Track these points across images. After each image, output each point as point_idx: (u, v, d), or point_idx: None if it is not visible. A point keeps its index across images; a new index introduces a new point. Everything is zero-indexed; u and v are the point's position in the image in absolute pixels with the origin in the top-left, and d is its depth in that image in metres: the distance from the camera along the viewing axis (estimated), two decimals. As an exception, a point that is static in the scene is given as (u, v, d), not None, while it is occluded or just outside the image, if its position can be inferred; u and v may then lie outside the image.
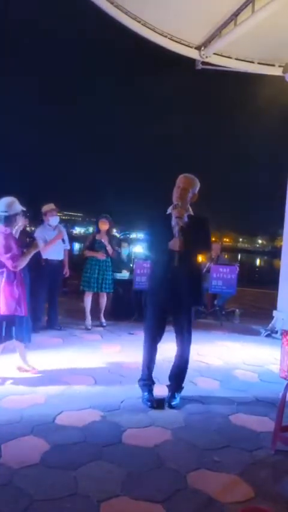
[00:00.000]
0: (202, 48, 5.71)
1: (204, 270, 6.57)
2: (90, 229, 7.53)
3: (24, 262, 3.59)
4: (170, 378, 3.45)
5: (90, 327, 5.74)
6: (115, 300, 6.74)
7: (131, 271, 6.77)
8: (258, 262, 55.00)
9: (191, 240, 3.18)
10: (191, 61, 5.93)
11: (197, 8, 4.95)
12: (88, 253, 5.85)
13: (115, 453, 2.56)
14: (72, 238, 9.46)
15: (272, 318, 6.16)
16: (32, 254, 3.65)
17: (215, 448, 2.69)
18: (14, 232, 3.65)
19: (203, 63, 5.91)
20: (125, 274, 6.86)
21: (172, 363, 3.46)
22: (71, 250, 6.51)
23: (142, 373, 3.45)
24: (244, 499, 2.20)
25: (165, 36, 5.49)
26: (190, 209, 3.34)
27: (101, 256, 5.78)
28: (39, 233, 5.51)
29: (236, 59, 6.00)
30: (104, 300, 5.99)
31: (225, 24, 5.20)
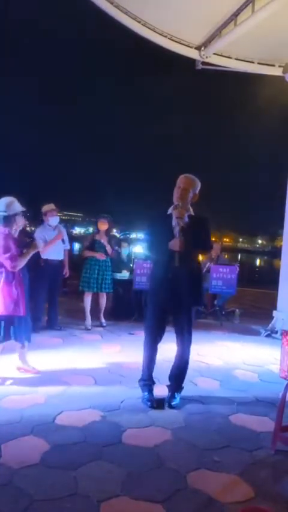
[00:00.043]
0: (202, 48, 5.71)
1: (204, 270, 6.57)
2: (90, 229, 7.54)
3: (23, 263, 3.58)
4: (170, 378, 3.45)
5: (90, 327, 5.74)
6: (115, 300, 6.74)
7: (131, 271, 6.77)
8: (258, 262, 55.00)
9: (192, 240, 3.19)
10: (191, 61, 5.93)
11: (197, 8, 4.95)
12: (87, 254, 5.85)
13: (115, 453, 2.56)
14: (72, 239, 9.45)
15: (272, 318, 6.16)
16: (31, 254, 3.65)
17: (215, 448, 2.69)
18: (13, 232, 3.64)
19: (203, 63, 5.91)
20: (125, 274, 6.86)
21: (172, 363, 3.47)
22: (71, 251, 6.51)
23: (142, 373, 3.45)
24: (244, 499, 2.20)
25: (165, 36, 5.49)
26: (191, 209, 3.34)
27: (100, 256, 5.78)
28: (39, 233, 5.51)
29: (236, 59, 5.99)
30: (103, 300, 5.99)
31: (225, 24, 5.20)
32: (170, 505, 2.11)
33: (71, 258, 6.34)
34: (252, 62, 6.05)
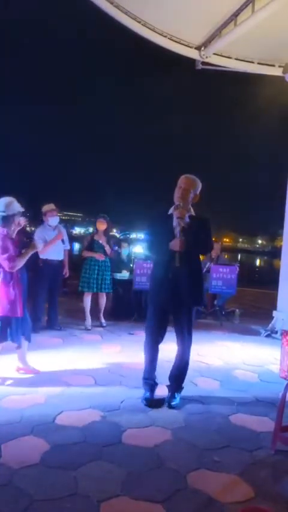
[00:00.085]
0: (202, 48, 5.71)
1: (204, 270, 6.57)
2: (90, 229, 7.55)
3: (21, 263, 3.57)
4: (170, 378, 3.45)
5: (90, 327, 5.74)
6: (115, 300, 6.74)
7: (131, 271, 6.77)
8: (258, 262, 55.01)
9: (192, 240, 3.19)
10: (191, 61, 5.93)
11: (197, 8, 4.95)
12: (86, 254, 5.85)
13: (115, 453, 2.56)
14: (72, 239, 9.45)
15: (272, 318, 6.16)
16: (29, 255, 3.63)
17: (215, 448, 2.69)
18: (11, 232, 3.62)
19: (203, 63, 5.91)
20: (125, 275, 6.86)
21: (172, 363, 3.46)
22: (70, 251, 6.51)
23: (144, 372, 3.46)
24: (244, 499, 2.20)
25: (165, 36, 5.48)
26: (191, 209, 3.34)
27: (99, 256, 5.77)
28: (39, 233, 5.51)
29: (236, 59, 5.99)
30: (103, 300, 5.99)
31: (225, 24, 5.20)
32: (170, 505, 2.11)
33: (71, 258, 6.34)
34: (252, 62, 6.04)
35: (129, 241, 9.11)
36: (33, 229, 7.93)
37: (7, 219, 3.57)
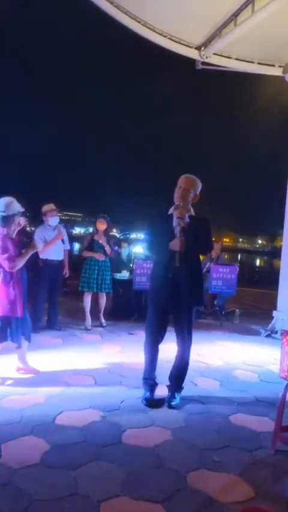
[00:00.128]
0: (202, 48, 5.71)
1: (204, 270, 6.57)
2: (90, 229, 7.54)
3: (21, 263, 3.56)
4: (170, 378, 3.45)
5: (90, 327, 5.74)
6: (115, 300, 6.74)
7: (131, 271, 6.77)
8: (258, 262, 55.01)
9: (192, 240, 3.19)
10: (191, 61, 5.92)
11: (197, 8, 4.95)
12: (86, 254, 5.84)
13: (115, 453, 2.56)
14: (72, 239, 9.45)
15: (272, 318, 6.16)
16: (29, 255, 3.63)
17: (215, 448, 2.69)
18: (11, 232, 3.62)
19: (203, 63, 5.91)
20: (125, 275, 6.87)
21: (172, 363, 3.46)
22: (71, 251, 6.51)
23: (144, 372, 3.46)
24: (244, 499, 2.20)
25: (165, 36, 5.48)
26: (191, 209, 3.34)
27: (99, 256, 5.77)
28: (39, 233, 5.51)
29: (236, 59, 5.99)
30: (103, 300, 5.99)
31: (225, 24, 5.19)
32: (170, 505, 2.11)
33: (71, 258, 6.34)
34: (252, 62, 6.04)
35: (129, 241, 9.12)
36: (33, 229, 7.92)
37: (7, 219, 3.56)
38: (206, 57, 5.76)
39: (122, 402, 3.30)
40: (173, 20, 5.25)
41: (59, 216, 5.86)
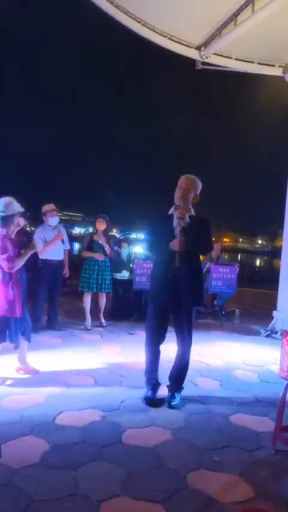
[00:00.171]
0: (202, 48, 5.71)
1: (204, 270, 6.57)
2: (90, 229, 7.53)
3: (20, 264, 3.55)
4: (170, 378, 3.45)
5: (90, 327, 5.74)
6: (115, 300, 6.74)
7: (131, 271, 6.77)
8: (258, 262, 55.01)
9: (192, 240, 3.19)
10: (191, 61, 5.92)
11: (197, 8, 4.94)
12: (86, 254, 5.84)
13: (115, 453, 2.56)
14: (72, 239, 9.45)
15: (272, 318, 6.16)
16: (28, 255, 3.61)
17: (215, 448, 2.69)
18: (10, 233, 3.60)
19: (203, 63, 5.90)
20: (125, 275, 6.87)
21: (172, 363, 3.46)
22: (70, 251, 6.51)
23: (145, 372, 3.47)
24: (244, 499, 2.20)
25: (165, 36, 5.48)
26: (192, 210, 3.34)
27: (99, 256, 5.77)
28: (39, 233, 5.51)
29: (236, 59, 5.99)
30: (103, 300, 5.99)
31: (225, 24, 5.19)
32: (170, 505, 2.11)
33: (71, 258, 6.34)
34: (252, 62, 6.04)
35: (129, 241, 9.12)
36: (33, 229, 7.93)
37: (6, 220, 3.55)
38: (206, 57, 5.76)
39: (122, 402, 3.30)
40: (173, 20, 5.25)
41: (59, 216, 5.86)
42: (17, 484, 2.18)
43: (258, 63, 6.05)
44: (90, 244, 5.83)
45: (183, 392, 3.45)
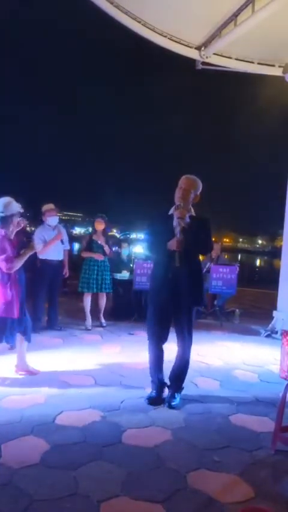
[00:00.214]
0: (202, 48, 5.71)
1: (204, 270, 6.57)
2: (90, 229, 7.53)
3: (19, 264, 3.54)
4: (170, 378, 3.45)
5: (90, 327, 5.74)
6: (115, 300, 6.75)
7: (131, 271, 6.77)
8: (258, 262, 55.00)
9: (192, 240, 3.19)
10: (191, 61, 5.93)
11: (197, 8, 4.94)
12: (85, 254, 5.84)
13: (115, 453, 2.56)
14: (72, 239, 9.46)
15: (272, 318, 6.16)
16: (27, 255, 3.61)
17: (215, 448, 2.69)
18: (9, 233, 3.59)
19: (203, 63, 5.91)
20: (125, 275, 6.87)
21: (173, 363, 3.46)
22: (70, 251, 6.51)
23: (149, 372, 3.47)
24: (244, 499, 2.20)
25: (165, 36, 5.48)
26: (192, 210, 3.34)
27: (98, 257, 5.77)
28: (38, 233, 5.50)
29: (236, 59, 5.99)
30: (103, 300, 5.99)
31: (225, 25, 5.19)
32: (170, 505, 2.11)
33: (71, 258, 6.34)
34: (252, 62, 6.04)
35: (129, 241, 9.12)
36: (33, 229, 7.93)
37: (5, 220, 3.54)
38: (206, 57, 5.76)
39: (122, 402, 3.30)
40: (173, 20, 5.25)
41: (59, 216, 5.86)
42: (17, 484, 2.18)
43: (258, 63, 6.05)
44: (90, 244, 5.82)
45: (183, 392, 3.45)
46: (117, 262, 7.19)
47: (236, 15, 5.00)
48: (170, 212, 3.33)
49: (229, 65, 6.01)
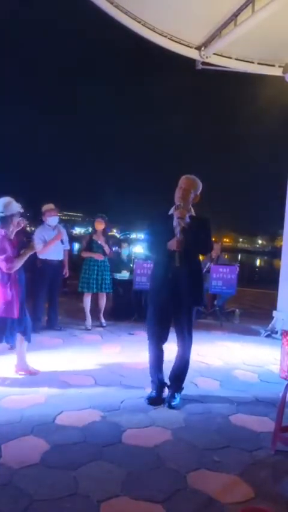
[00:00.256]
0: (202, 48, 5.70)
1: (204, 270, 6.57)
2: (90, 229, 7.53)
3: (19, 264, 3.54)
4: (170, 378, 3.45)
5: (90, 327, 5.74)
6: (115, 300, 6.75)
7: (131, 271, 6.77)
8: (258, 262, 55.00)
9: (192, 240, 3.19)
10: (191, 61, 5.93)
11: (197, 8, 4.94)
12: (85, 254, 5.84)
13: (115, 453, 2.56)
14: (72, 239, 9.46)
15: (272, 318, 6.16)
16: (27, 255, 3.61)
17: (215, 448, 2.69)
18: (9, 233, 3.59)
19: (203, 63, 5.91)
20: (125, 275, 6.86)
21: (172, 363, 3.46)
22: (70, 251, 6.51)
23: (149, 372, 3.47)
24: (244, 499, 2.20)
25: (165, 36, 5.48)
26: (192, 210, 3.34)
27: (98, 257, 5.76)
28: (38, 233, 5.50)
29: (236, 59, 5.99)
30: (103, 300, 5.99)
31: (225, 25, 5.19)
32: (170, 505, 2.11)
33: (71, 258, 6.34)
34: (252, 62, 6.04)
35: (129, 241, 9.12)
36: (33, 229, 7.93)
37: (5, 220, 3.54)
38: (206, 57, 5.76)
39: (122, 402, 3.30)
40: (173, 20, 5.25)
41: (59, 216, 5.86)
42: (17, 484, 2.18)
43: (258, 63, 6.05)
44: (90, 244, 5.82)
45: (183, 392, 3.45)
46: (117, 262, 7.19)
47: (236, 15, 5.00)
48: (170, 212, 3.34)
49: (229, 65, 6.01)
